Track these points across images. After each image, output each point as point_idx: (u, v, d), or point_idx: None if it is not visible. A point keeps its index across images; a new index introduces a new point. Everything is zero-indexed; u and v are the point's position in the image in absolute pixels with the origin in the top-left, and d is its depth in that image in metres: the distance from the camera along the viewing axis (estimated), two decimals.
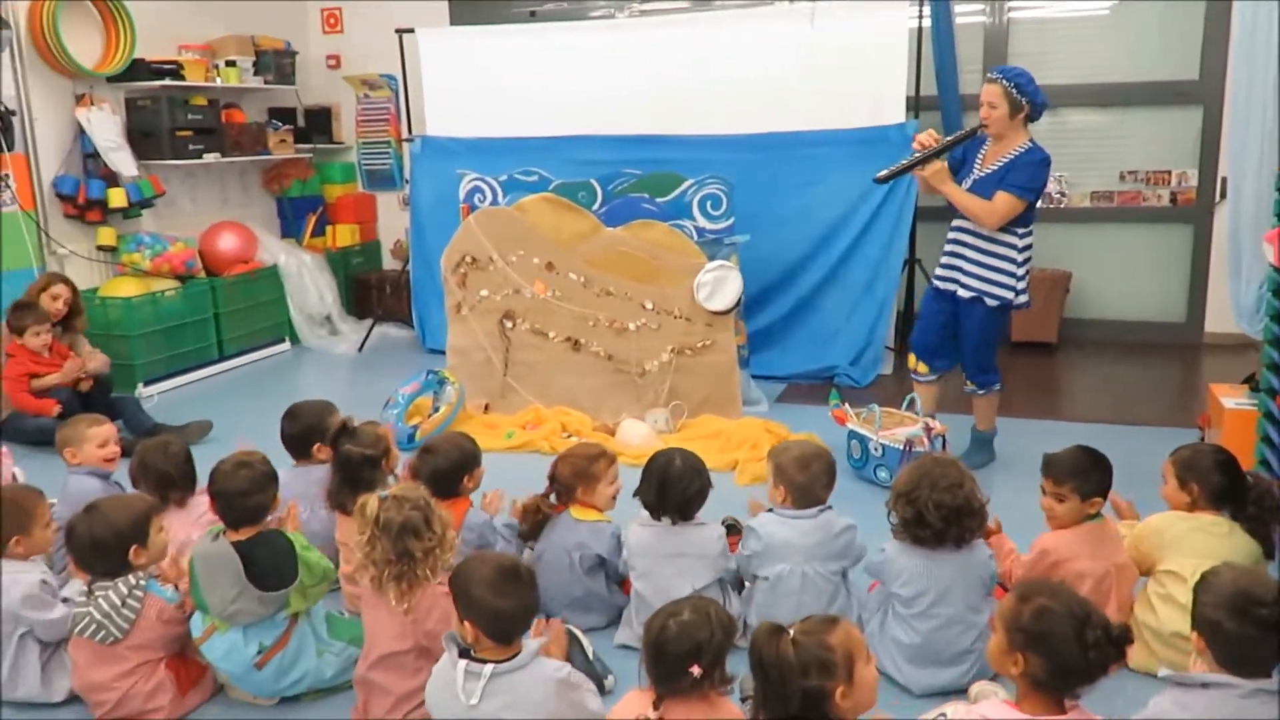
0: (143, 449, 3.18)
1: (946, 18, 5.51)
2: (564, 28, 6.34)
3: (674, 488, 2.80)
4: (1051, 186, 6.21)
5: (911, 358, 4.26)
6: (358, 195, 7.68)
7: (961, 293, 3.99)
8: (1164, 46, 6.00)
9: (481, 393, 5.08)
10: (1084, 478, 2.73)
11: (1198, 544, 2.61)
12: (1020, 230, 3.89)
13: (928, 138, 3.94)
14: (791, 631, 1.89)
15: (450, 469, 3.02)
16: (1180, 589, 2.53)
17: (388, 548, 2.36)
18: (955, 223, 4.04)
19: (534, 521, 3.06)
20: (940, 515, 2.53)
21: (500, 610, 2.12)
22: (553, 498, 3.07)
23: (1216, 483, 2.69)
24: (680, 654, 1.95)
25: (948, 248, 4.07)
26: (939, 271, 4.11)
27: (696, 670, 1.94)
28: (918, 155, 3.91)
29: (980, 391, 4.16)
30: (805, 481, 2.80)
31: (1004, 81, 3.83)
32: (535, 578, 2.25)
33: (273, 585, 2.53)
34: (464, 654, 2.16)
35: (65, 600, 2.71)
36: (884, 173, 4.00)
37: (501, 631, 2.15)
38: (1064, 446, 2.85)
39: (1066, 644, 1.87)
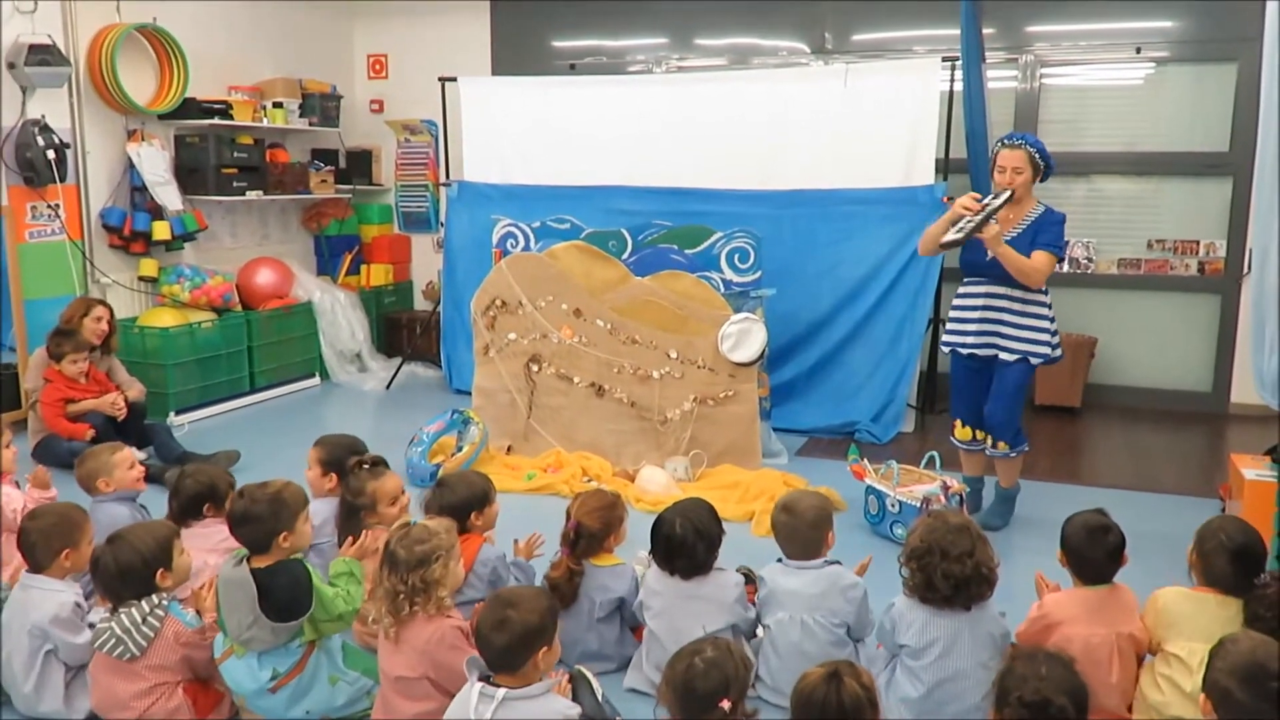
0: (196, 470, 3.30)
1: (979, 82, 5.58)
2: (602, 81, 6.51)
3: (678, 553, 2.83)
4: (1078, 252, 6.26)
5: (958, 426, 4.27)
6: (393, 236, 7.86)
7: (1004, 356, 4.04)
8: (1195, 117, 6.06)
9: (505, 434, 5.14)
10: (1078, 558, 2.71)
11: (1202, 625, 2.50)
12: (1046, 289, 4.05)
13: (971, 201, 3.88)
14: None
15: (460, 505, 3.04)
16: (1182, 674, 2.46)
17: (392, 581, 2.46)
18: (987, 289, 4.06)
19: (571, 588, 2.97)
20: (950, 584, 2.56)
21: (492, 645, 2.17)
22: (568, 551, 3.02)
23: (1221, 570, 2.56)
24: (709, 690, 1.99)
25: (977, 314, 4.09)
26: (969, 340, 4.11)
27: (726, 704, 1.98)
28: (979, 218, 3.83)
29: (1012, 454, 4.16)
30: (783, 528, 2.88)
31: (1028, 147, 3.93)
32: (541, 613, 2.23)
33: (287, 615, 2.55)
34: (483, 678, 2.22)
35: (91, 626, 2.74)
36: (950, 238, 3.86)
37: (497, 664, 2.20)
38: (1082, 510, 2.82)
39: None
